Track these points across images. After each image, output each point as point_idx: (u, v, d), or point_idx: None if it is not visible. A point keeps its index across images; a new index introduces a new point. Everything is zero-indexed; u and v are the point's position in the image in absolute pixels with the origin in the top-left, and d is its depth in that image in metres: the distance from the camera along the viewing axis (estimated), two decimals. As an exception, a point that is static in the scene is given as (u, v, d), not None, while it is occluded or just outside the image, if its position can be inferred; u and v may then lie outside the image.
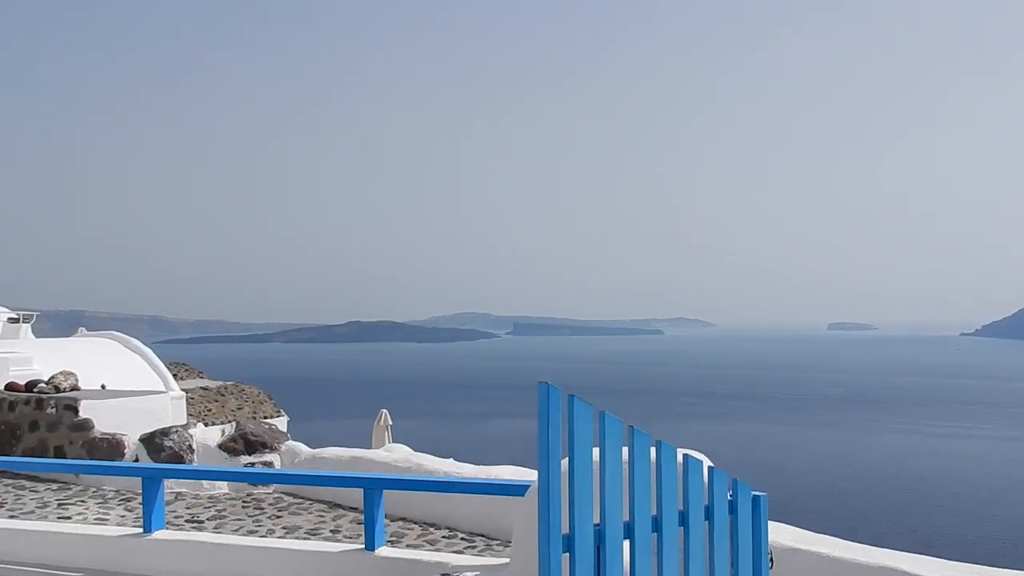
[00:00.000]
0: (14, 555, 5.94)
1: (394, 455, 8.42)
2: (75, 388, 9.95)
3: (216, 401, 19.01)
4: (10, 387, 9.80)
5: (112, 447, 8.67)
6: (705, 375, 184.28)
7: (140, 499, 8.23)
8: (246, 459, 8.72)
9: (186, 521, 7.49)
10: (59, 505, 7.85)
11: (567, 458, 2.91)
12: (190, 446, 8.68)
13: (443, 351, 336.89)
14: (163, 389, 17.41)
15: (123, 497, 8.21)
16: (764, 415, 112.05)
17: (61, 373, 10.06)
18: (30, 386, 9.76)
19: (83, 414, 8.92)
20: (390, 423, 25.00)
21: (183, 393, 17.40)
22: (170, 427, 8.78)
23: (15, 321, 19.49)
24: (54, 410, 9.01)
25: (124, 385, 16.74)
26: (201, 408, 18.41)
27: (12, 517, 7.25)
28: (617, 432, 2.87)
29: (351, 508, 8.12)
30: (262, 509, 7.95)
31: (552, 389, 2.75)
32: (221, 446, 8.74)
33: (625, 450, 3.00)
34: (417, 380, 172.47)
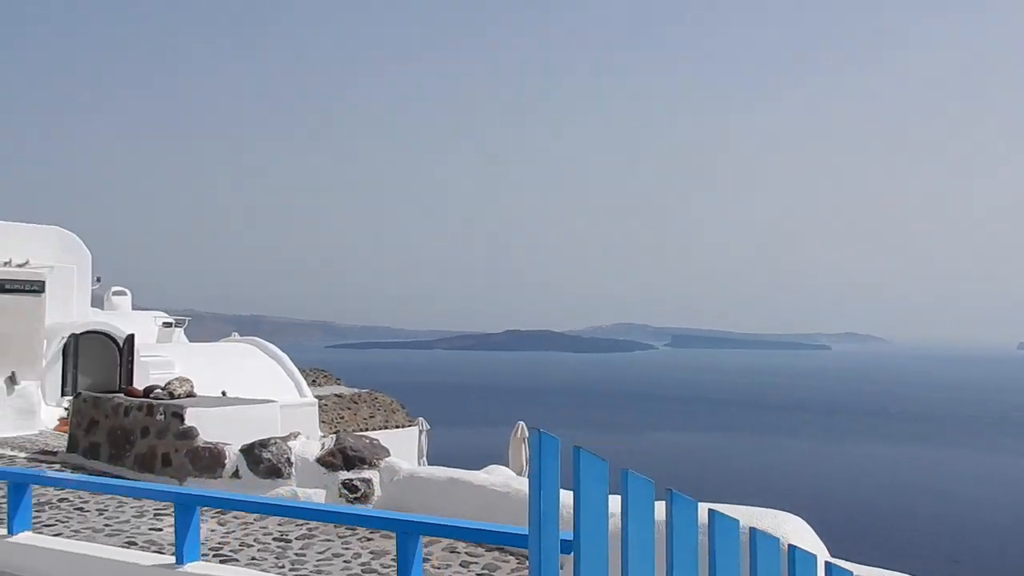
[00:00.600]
0: (40, 574, 5.71)
1: (493, 478, 7.78)
2: (190, 394, 9.91)
3: (349, 408, 19.08)
4: (128, 392, 9.87)
5: (214, 457, 8.49)
6: (872, 393, 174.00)
7: (240, 514, 8.04)
8: (344, 475, 8.32)
9: (274, 540, 7.14)
10: (155, 515, 7.69)
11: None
12: (288, 459, 8.37)
13: (599, 362, 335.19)
14: (296, 394, 17.67)
15: (219, 510, 7.97)
16: (938, 437, 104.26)
17: (177, 379, 10.06)
18: (147, 391, 9.77)
19: (188, 422, 8.80)
20: (527, 435, 24.49)
21: (315, 400, 17.57)
22: (269, 438, 8.49)
23: (169, 326, 20.38)
24: (163, 417, 8.96)
25: (258, 390, 17.02)
26: (334, 415, 18.52)
27: (91, 530, 7.11)
28: (646, 497, 2.06)
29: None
30: (354, 529, 7.50)
31: (545, 437, 1.99)
32: (319, 460, 8.38)
33: (661, 513, 2.19)
34: (571, 390, 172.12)
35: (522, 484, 7.46)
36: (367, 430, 19.16)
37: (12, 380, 11.55)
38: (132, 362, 13.25)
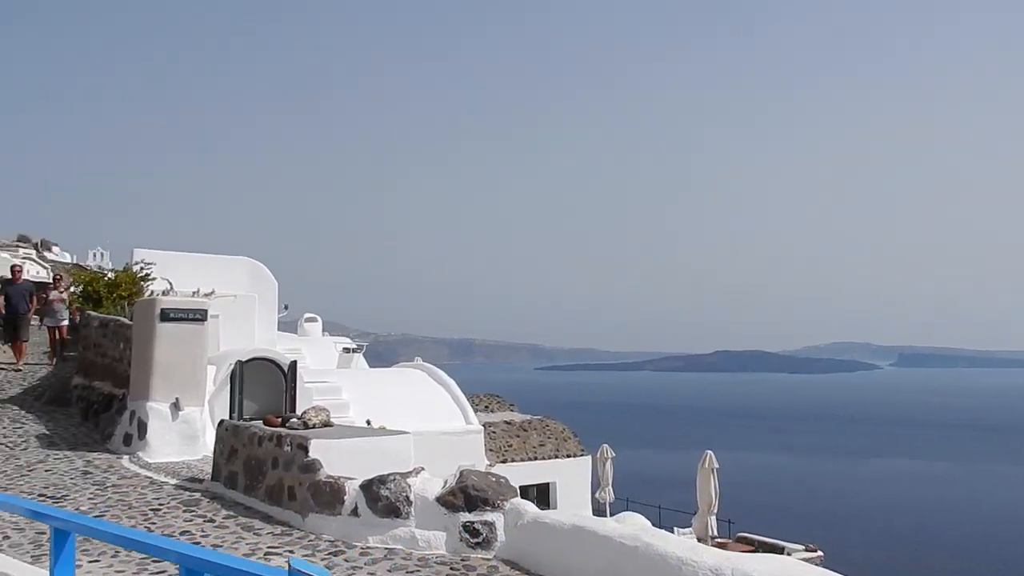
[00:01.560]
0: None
1: (623, 528, 6.72)
2: (326, 424, 9.56)
3: (518, 436, 18.41)
4: (266, 421, 9.66)
5: (333, 492, 8.00)
6: None
7: (351, 551, 7.49)
8: (465, 517, 7.56)
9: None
10: (266, 553, 7.29)
11: None
12: (407, 497, 7.73)
13: (817, 383, 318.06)
14: (462, 421, 17.25)
15: (335, 549, 7.46)
16: None
17: (313, 408, 9.76)
18: (284, 420, 9.53)
19: (313, 454, 8.39)
20: (716, 466, 22.84)
21: (481, 427, 17.06)
22: (389, 474, 7.89)
23: (348, 351, 20.72)
24: (289, 448, 8.61)
25: (422, 417, 16.75)
26: (502, 443, 17.92)
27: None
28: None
29: (572, 589, 6.61)
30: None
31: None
32: (440, 499, 7.67)
33: None
34: (782, 413, 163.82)
35: (654, 538, 6.36)
36: (536, 459, 18.47)
37: (176, 406, 11.76)
38: (295, 388, 13.24)
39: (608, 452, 24.60)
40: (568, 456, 18.97)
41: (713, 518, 22.27)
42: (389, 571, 6.92)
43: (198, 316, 12.26)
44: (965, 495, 74.52)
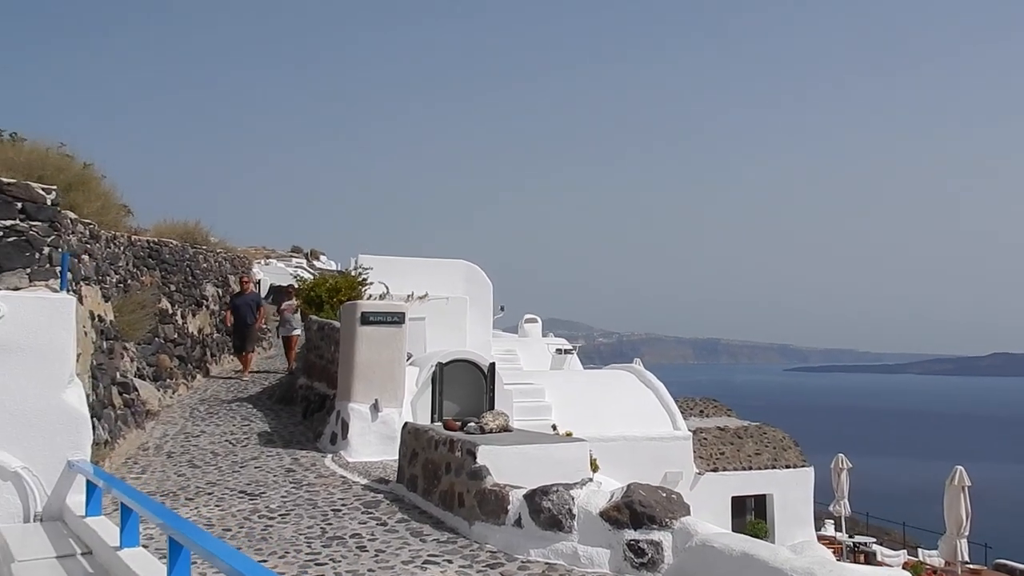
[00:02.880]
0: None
1: (797, 561, 5.87)
2: (505, 429, 9.37)
3: (731, 444, 17.26)
4: (446, 424, 9.62)
5: (498, 501, 7.75)
6: None
7: (511, 564, 7.20)
8: (631, 534, 7.02)
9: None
10: (425, 562, 7.16)
11: None
12: (570, 510, 7.31)
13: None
14: (669, 426, 16.48)
15: (494, 561, 7.21)
16: None
17: (491, 412, 9.59)
18: (463, 424, 9.46)
19: (481, 460, 8.19)
20: (967, 484, 20.31)
21: (689, 433, 16.20)
22: (552, 485, 7.51)
23: (561, 352, 20.58)
24: (460, 453, 8.48)
25: (628, 420, 16.23)
26: (714, 450, 16.89)
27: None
28: None
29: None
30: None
31: None
32: (603, 514, 7.18)
33: None
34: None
35: (829, 574, 5.50)
36: (750, 468, 17.27)
37: (375, 407, 12.10)
38: (493, 390, 13.24)
39: (844, 462, 22.70)
40: (787, 467, 17.59)
41: (964, 541, 19.81)
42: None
43: (396, 319, 12.54)
44: None
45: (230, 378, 19.41)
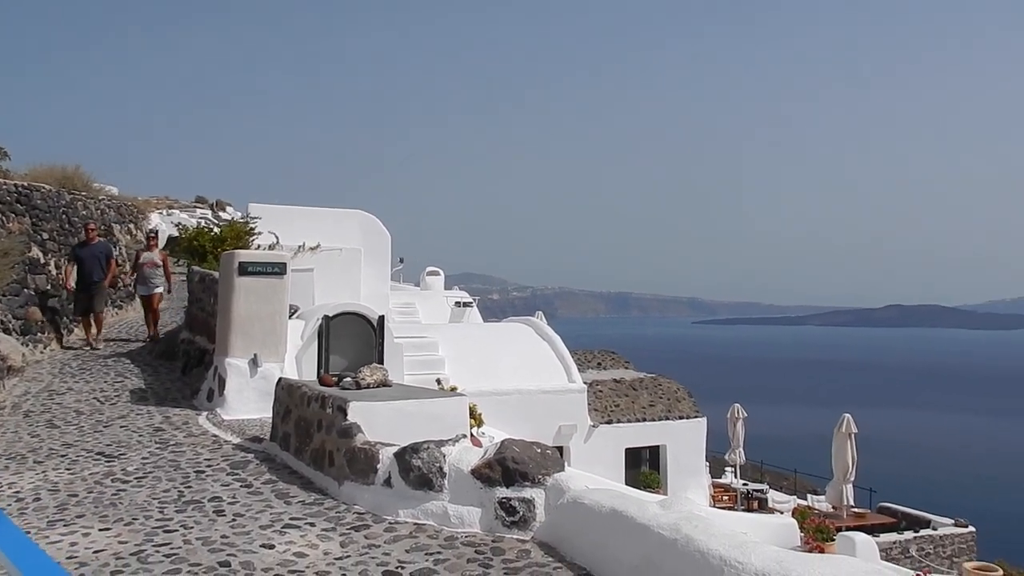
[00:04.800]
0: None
1: (666, 516, 5.67)
2: (383, 384, 8.95)
3: (626, 396, 17.31)
4: (322, 381, 9.16)
5: (368, 460, 7.36)
6: None
7: (377, 526, 6.85)
8: (502, 492, 6.74)
9: (378, 565, 5.81)
10: (286, 525, 6.74)
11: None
12: (440, 468, 6.98)
13: (1001, 339, 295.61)
14: (564, 379, 16.38)
15: (360, 523, 6.83)
16: None
17: (369, 367, 9.16)
18: (339, 379, 9.00)
19: (351, 417, 7.79)
20: (854, 431, 20.94)
21: (584, 386, 16.15)
22: (424, 443, 7.16)
23: (460, 305, 20.24)
24: (331, 410, 8.05)
25: (523, 373, 16.03)
26: (609, 402, 16.91)
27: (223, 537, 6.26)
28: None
29: (603, 584, 5.70)
30: (488, 566, 5.92)
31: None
32: (475, 472, 6.88)
33: None
34: (957, 372, 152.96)
35: (697, 530, 5.30)
36: (644, 420, 17.38)
37: (255, 362, 11.52)
38: (383, 344, 12.80)
39: (740, 412, 23.14)
40: (681, 417, 17.78)
41: (850, 486, 20.49)
42: (407, 551, 6.20)
43: (277, 270, 11.93)
44: None
45: (75, 348, 16.30)
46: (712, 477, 23.62)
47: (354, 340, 13.22)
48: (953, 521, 20.49)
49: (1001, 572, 12.95)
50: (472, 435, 9.97)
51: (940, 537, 19.93)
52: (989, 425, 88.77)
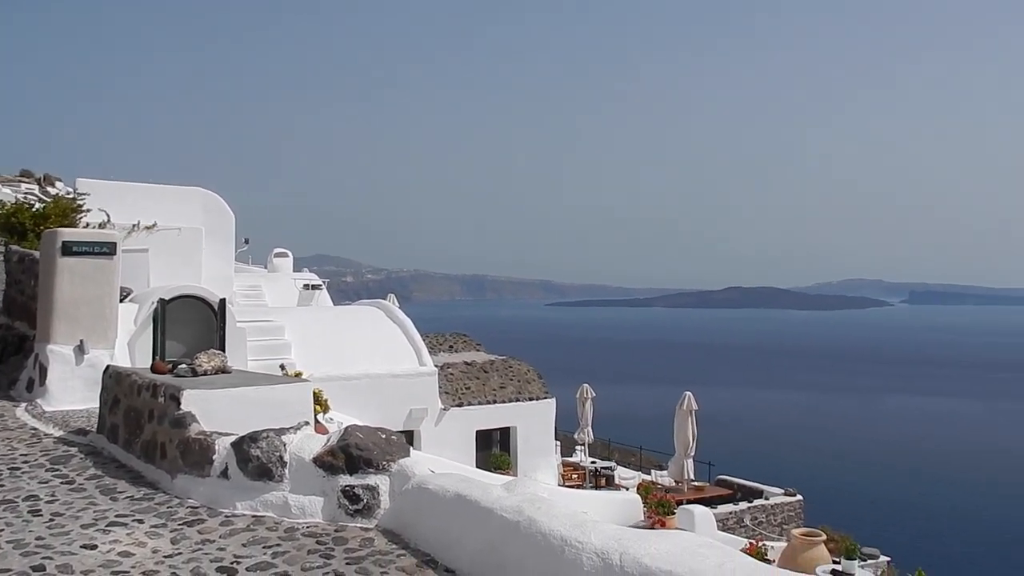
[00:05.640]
0: None
1: (509, 499, 5.67)
2: (221, 371, 8.53)
3: (477, 378, 17.40)
4: (155, 368, 8.63)
5: (203, 451, 6.99)
6: None
7: (213, 520, 6.53)
8: (346, 480, 6.55)
9: (212, 561, 5.51)
10: (111, 523, 6.30)
11: None
12: (281, 457, 6.71)
13: (827, 319, 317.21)
14: (415, 362, 16.27)
15: (194, 518, 6.48)
16: None
17: (206, 353, 8.70)
18: (174, 366, 8.51)
19: (185, 406, 7.37)
20: (695, 408, 21.87)
21: (434, 369, 16.10)
22: (263, 431, 6.86)
23: (309, 288, 19.70)
24: (163, 399, 7.59)
25: (373, 357, 15.80)
26: (460, 385, 16.94)
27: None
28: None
29: (447, 571, 5.64)
30: (330, 556, 5.73)
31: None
32: (317, 460, 6.65)
33: None
34: (791, 350, 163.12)
35: (539, 512, 5.31)
36: (495, 402, 17.54)
37: (81, 349, 10.75)
38: (224, 328, 12.24)
39: (589, 392, 23.69)
40: (531, 399, 18.03)
41: (690, 461, 21.43)
42: (244, 545, 5.93)
43: (106, 250, 11.17)
44: (976, 433, 73.88)
45: None
46: (563, 456, 24.11)
47: (193, 325, 12.62)
48: (783, 491, 21.77)
49: (824, 537, 13.83)
50: (317, 422, 9.69)
51: (772, 506, 21.13)
52: (816, 400, 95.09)
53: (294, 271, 24.02)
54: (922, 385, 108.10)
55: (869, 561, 15.72)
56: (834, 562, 13.26)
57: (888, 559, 17.86)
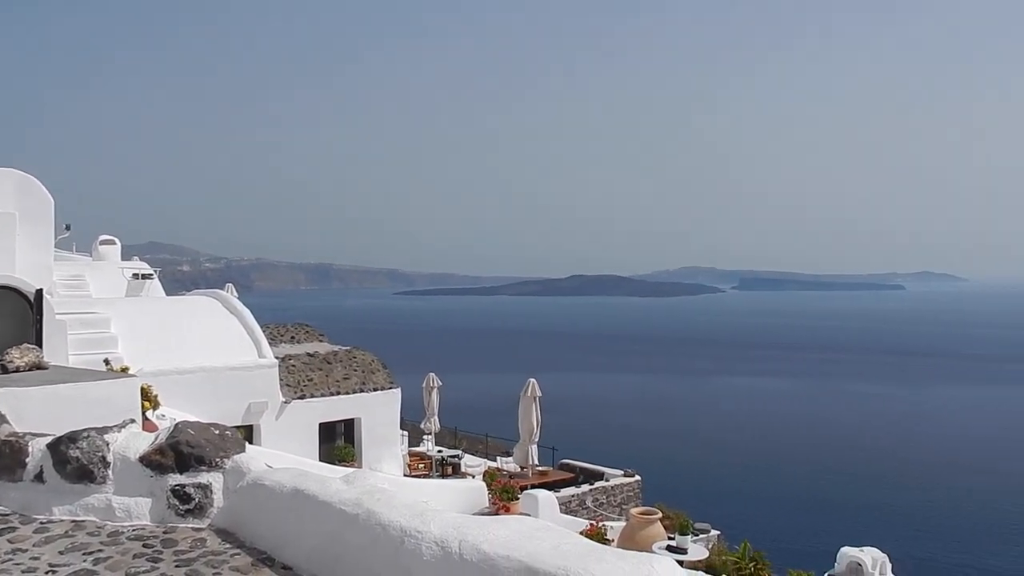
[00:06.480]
0: None
1: (348, 492, 5.58)
2: (37, 367, 7.94)
3: (320, 369, 17.06)
4: (-41, 366, 7.92)
5: (14, 454, 6.48)
6: (954, 335, 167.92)
7: (26, 527, 6.07)
8: (176, 479, 6.24)
9: (24, 572, 5.13)
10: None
11: None
12: (103, 458, 6.32)
13: (665, 306, 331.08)
14: (254, 354, 15.77)
15: (6, 525, 5.99)
16: (1013, 378, 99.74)
17: (18, 348, 8.08)
18: (-19, 364, 7.84)
19: (-7, 406, 6.80)
20: (539, 394, 22.34)
21: (275, 361, 15.67)
22: (83, 431, 6.44)
23: (138, 277, 18.68)
24: (-32, 400, 6.97)
25: (209, 350, 15.20)
26: (302, 377, 16.57)
27: None
28: None
29: (284, 568, 5.48)
30: (157, 560, 5.44)
31: None
32: (144, 459, 6.31)
33: None
34: (633, 335, 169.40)
35: (378, 504, 5.24)
36: (339, 393, 17.27)
37: None
38: (41, 321, 11.39)
39: (435, 381, 23.68)
40: (375, 389, 17.84)
41: (534, 447, 21.87)
42: (62, 553, 5.54)
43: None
44: (798, 410, 79.13)
45: None
46: (410, 446, 24.01)
47: (5, 318, 11.71)
48: (623, 472, 22.57)
49: (660, 515, 14.45)
50: (146, 419, 9.21)
51: (612, 487, 21.87)
52: (654, 383, 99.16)
53: (123, 260, 22.68)
54: (749, 367, 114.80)
55: (701, 536, 16.54)
56: (669, 538, 13.85)
57: (719, 533, 18.86)
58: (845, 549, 13.06)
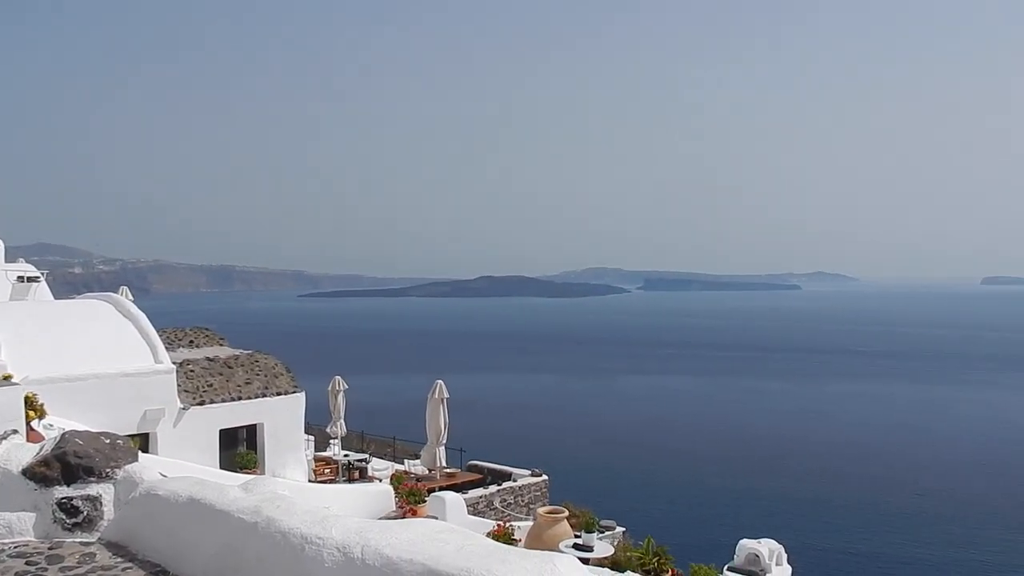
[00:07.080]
0: None
1: (246, 500, 5.44)
2: (-92, 376, 7.44)
3: (220, 374, 16.58)
4: None
5: None
6: (846, 332, 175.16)
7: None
8: (62, 491, 5.97)
9: None
10: None
11: None
12: (-21, 471, 5.99)
13: (572, 306, 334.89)
14: (150, 360, 15.24)
15: None
16: (909, 374, 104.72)
17: None
18: None
19: None
20: (446, 396, 22.29)
21: (172, 366, 15.19)
22: (-43, 442, 6.09)
23: (23, 280, 17.82)
24: None
25: (101, 356, 14.63)
26: (201, 382, 16.07)
27: None
28: None
29: (179, 580, 5.30)
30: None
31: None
32: (28, 471, 6.01)
33: None
34: (539, 336, 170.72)
35: (278, 511, 5.12)
36: (240, 398, 16.86)
37: None
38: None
39: (341, 384, 23.35)
40: (279, 394, 17.46)
41: (442, 448, 21.80)
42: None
43: None
44: (699, 408, 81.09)
45: None
46: (316, 451, 23.59)
47: None
48: (530, 472, 22.71)
49: (567, 513, 14.58)
50: (31, 429, 8.78)
51: (519, 487, 21.97)
52: (560, 383, 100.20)
53: (7, 262, 21.55)
54: (653, 366, 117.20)
55: (607, 533, 16.78)
56: (575, 536, 14.00)
57: (623, 529, 19.17)
58: (744, 541, 13.49)
